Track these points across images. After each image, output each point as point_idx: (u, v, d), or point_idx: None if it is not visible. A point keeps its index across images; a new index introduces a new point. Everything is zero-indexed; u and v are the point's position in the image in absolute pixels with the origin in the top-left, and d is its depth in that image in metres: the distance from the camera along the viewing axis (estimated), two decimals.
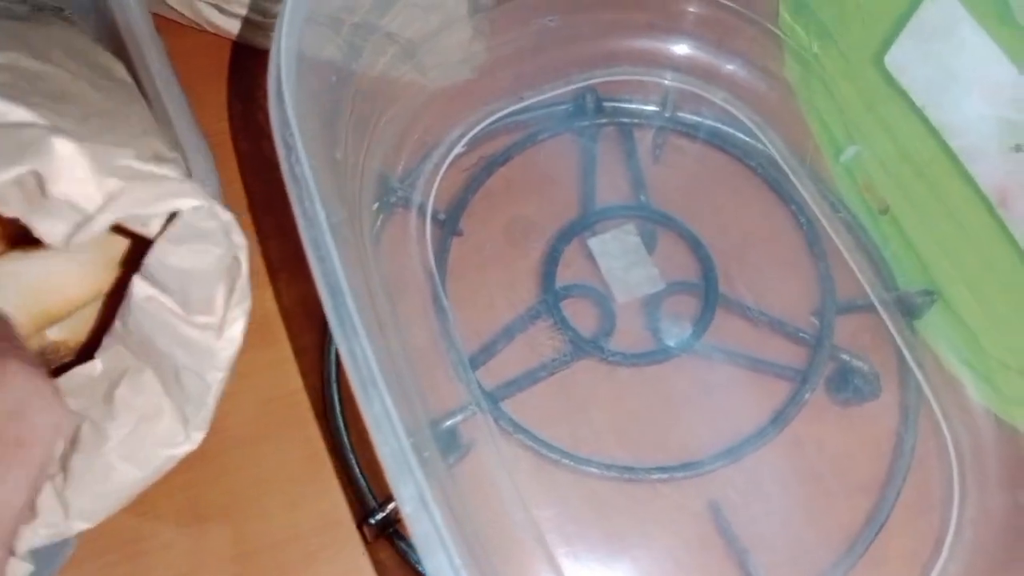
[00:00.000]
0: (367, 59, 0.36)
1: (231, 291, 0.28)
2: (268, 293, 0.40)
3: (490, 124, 0.42)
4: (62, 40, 0.35)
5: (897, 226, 0.40)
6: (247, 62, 0.46)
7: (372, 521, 0.35)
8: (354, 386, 0.24)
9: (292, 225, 0.26)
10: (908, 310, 0.38)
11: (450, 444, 0.35)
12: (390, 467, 0.22)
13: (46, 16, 0.37)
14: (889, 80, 0.37)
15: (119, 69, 0.38)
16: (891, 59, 0.37)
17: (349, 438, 0.38)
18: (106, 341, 0.29)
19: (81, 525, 0.28)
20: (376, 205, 0.39)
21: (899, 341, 0.37)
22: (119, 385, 0.29)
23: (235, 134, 0.44)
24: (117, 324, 0.29)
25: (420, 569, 0.35)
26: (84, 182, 0.25)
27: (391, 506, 0.35)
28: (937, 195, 0.37)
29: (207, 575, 0.36)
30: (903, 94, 0.37)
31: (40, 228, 0.26)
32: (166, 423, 0.29)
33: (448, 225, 0.40)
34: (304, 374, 0.40)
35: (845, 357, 0.37)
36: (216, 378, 0.28)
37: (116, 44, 0.36)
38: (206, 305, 0.27)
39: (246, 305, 0.28)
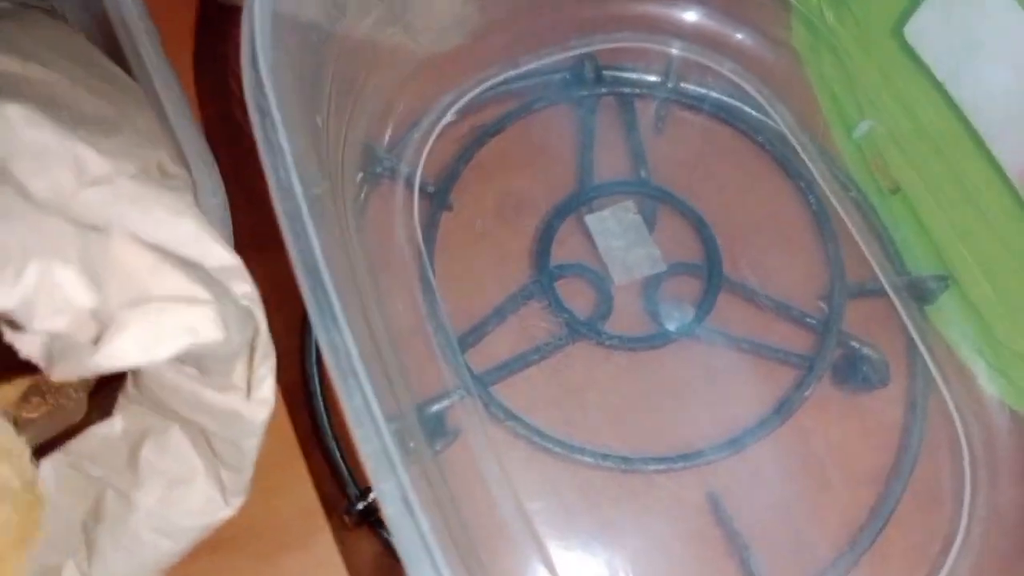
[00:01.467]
0: (351, 19, 0.34)
1: (252, 349, 0.24)
2: None
3: (482, 92, 0.40)
4: (52, 39, 0.32)
5: (909, 207, 0.38)
6: (217, 19, 0.43)
7: (354, 509, 0.33)
8: (333, 377, 0.22)
9: (267, 199, 0.23)
10: (920, 295, 0.37)
11: (436, 430, 0.33)
12: (372, 466, 0.21)
13: (33, 13, 0.34)
14: (908, 51, 0.35)
15: (117, 69, 0.35)
16: (911, 29, 0.35)
17: (330, 423, 0.36)
18: (122, 400, 0.25)
19: None
20: (360, 176, 0.37)
21: (911, 328, 0.36)
22: (142, 446, 0.25)
23: (202, 98, 0.42)
24: (129, 385, 0.25)
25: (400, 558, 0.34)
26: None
27: (374, 494, 0.33)
28: (954, 175, 0.35)
29: (182, 564, 0.34)
30: (923, 66, 0.35)
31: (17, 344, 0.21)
32: (200, 488, 0.25)
33: (437, 199, 0.38)
34: (281, 356, 0.38)
35: (854, 344, 0.35)
36: (252, 444, 0.25)
37: (108, 40, 0.33)
38: (227, 367, 0.24)
39: (271, 362, 0.24)
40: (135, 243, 0.21)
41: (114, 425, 0.25)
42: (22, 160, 0.22)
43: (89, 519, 0.25)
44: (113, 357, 0.20)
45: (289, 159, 0.23)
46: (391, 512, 0.20)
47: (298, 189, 0.23)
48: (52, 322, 0.20)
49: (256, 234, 0.27)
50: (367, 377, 0.21)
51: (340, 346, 0.21)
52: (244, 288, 0.23)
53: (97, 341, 0.20)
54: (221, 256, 0.23)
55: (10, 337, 0.20)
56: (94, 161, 0.23)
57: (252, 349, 0.23)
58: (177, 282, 0.21)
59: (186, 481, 0.25)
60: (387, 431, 0.20)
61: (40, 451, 0.25)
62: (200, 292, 0.21)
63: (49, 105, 0.26)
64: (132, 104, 0.32)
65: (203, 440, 0.25)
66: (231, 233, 0.30)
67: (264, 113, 0.24)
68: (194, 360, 0.22)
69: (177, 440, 0.25)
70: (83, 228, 0.21)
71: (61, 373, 0.20)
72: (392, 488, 0.20)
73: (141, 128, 0.31)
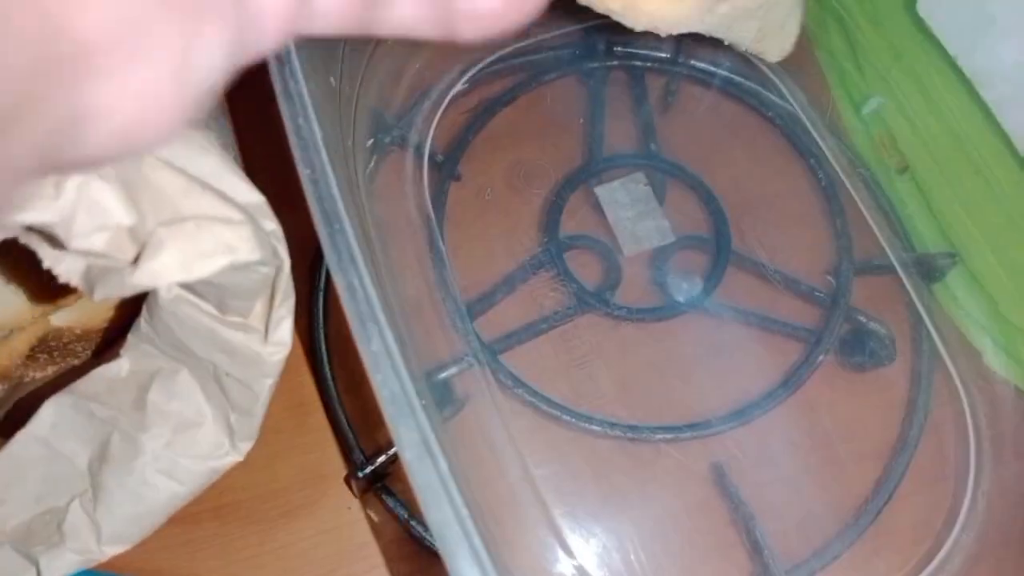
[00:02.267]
0: None
1: (273, 288, 0.24)
2: None
3: (493, 62, 0.39)
4: None
5: (916, 186, 0.38)
6: None
7: (361, 474, 0.33)
8: (352, 322, 0.21)
9: (281, 155, 0.23)
10: (927, 272, 0.37)
11: (444, 398, 0.33)
12: (390, 410, 0.20)
13: None
14: (920, 26, 0.35)
15: None
16: (924, 4, 0.35)
17: (336, 388, 0.36)
18: (131, 339, 0.25)
19: (115, 550, 0.25)
20: (370, 143, 0.37)
21: (918, 304, 0.36)
22: (150, 389, 0.24)
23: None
24: (142, 321, 0.24)
25: (408, 525, 0.34)
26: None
27: (380, 459, 0.33)
28: (964, 150, 0.35)
29: (185, 528, 0.34)
30: (934, 42, 0.35)
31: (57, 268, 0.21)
32: (208, 431, 0.25)
33: (446, 168, 0.38)
34: None
35: (861, 319, 0.35)
36: (265, 386, 0.25)
37: None
38: (247, 305, 0.23)
39: (291, 303, 0.24)
40: (166, 166, 0.21)
41: (121, 366, 0.24)
42: None
43: (95, 461, 0.25)
44: (154, 274, 0.20)
45: (309, 108, 0.23)
46: (410, 457, 0.20)
47: (318, 136, 0.23)
48: (91, 240, 0.19)
49: (269, 192, 0.26)
50: (387, 321, 0.21)
51: (358, 288, 0.21)
52: (270, 225, 0.23)
53: (136, 260, 0.20)
54: (247, 192, 0.23)
55: (50, 261, 0.20)
56: None
57: (273, 289, 0.23)
58: (211, 203, 0.21)
59: (194, 424, 0.25)
60: (406, 375, 0.20)
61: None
62: (235, 213, 0.21)
63: None
64: None
65: (213, 383, 0.24)
66: None
67: (283, 62, 0.24)
68: (215, 295, 0.22)
69: (186, 383, 0.24)
70: None
71: (101, 293, 0.20)
72: (412, 433, 0.20)
73: None
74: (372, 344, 0.21)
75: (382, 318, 0.21)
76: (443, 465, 0.19)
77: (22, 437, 0.24)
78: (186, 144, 0.22)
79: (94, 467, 0.25)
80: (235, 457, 0.25)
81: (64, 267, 0.20)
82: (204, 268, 0.20)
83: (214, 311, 0.22)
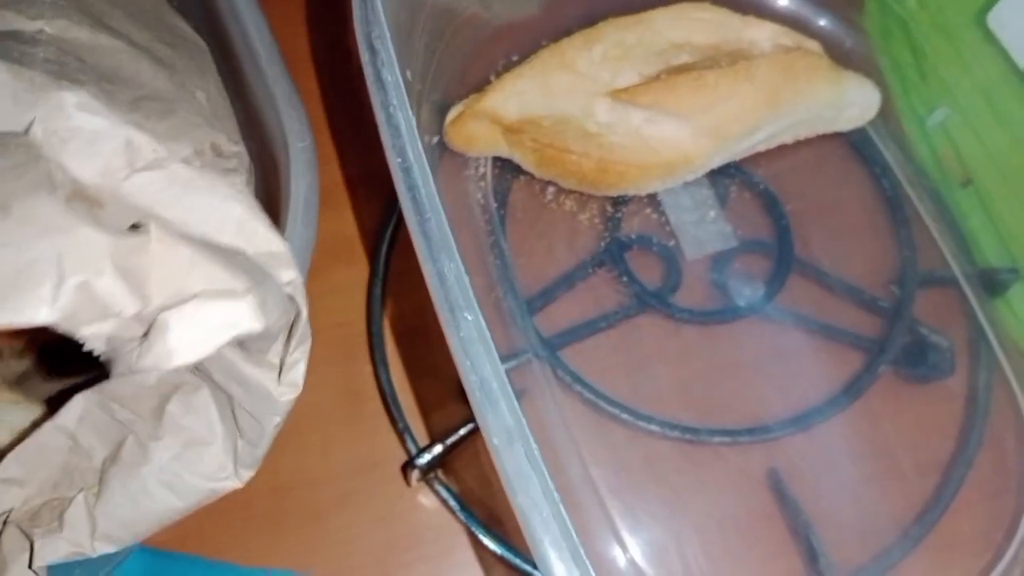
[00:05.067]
0: None
1: (290, 332, 0.24)
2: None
3: None
4: None
5: (979, 200, 0.38)
6: None
7: (416, 464, 0.33)
8: (440, 310, 0.22)
9: (357, 148, 0.23)
10: (989, 286, 0.36)
11: None
12: (478, 397, 0.21)
13: None
14: (989, 39, 0.35)
15: (187, 29, 0.35)
16: (995, 16, 0.35)
17: (390, 378, 0.36)
18: None
19: (105, 548, 0.25)
20: (436, 139, 0.37)
21: (981, 317, 0.35)
22: (171, 400, 0.25)
23: (314, 44, 0.42)
24: None
25: (460, 516, 0.34)
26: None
27: (437, 449, 0.33)
28: None
29: (240, 505, 0.34)
30: (1004, 54, 0.35)
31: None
32: (215, 453, 0.25)
33: (510, 165, 0.38)
34: (347, 309, 0.38)
35: (923, 331, 0.35)
36: (273, 423, 0.25)
37: None
38: (265, 345, 0.24)
39: (306, 346, 0.25)
40: (173, 237, 0.21)
41: (151, 374, 0.25)
42: (74, 144, 0.23)
43: (108, 459, 0.25)
44: (158, 359, 0.20)
45: (403, 94, 0.23)
46: (498, 442, 0.20)
47: (412, 124, 0.23)
48: (98, 328, 0.20)
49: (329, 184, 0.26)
50: (477, 307, 0.21)
51: (449, 276, 0.21)
52: (289, 275, 0.24)
53: (144, 337, 0.20)
54: (269, 241, 0.23)
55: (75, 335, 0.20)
56: (147, 145, 0.23)
57: (290, 333, 0.23)
58: (216, 274, 0.21)
59: (204, 443, 0.25)
60: (497, 360, 0.20)
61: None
62: (239, 283, 0.21)
63: (109, 81, 0.27)
64: (195, 73, 0.32)
65: (228, 408, 0.25)
66: (317, 176, 0.31)
67: (375, 52, 0.24)
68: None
69: (205, 401, 0.25)
70: (118, 232, 0.21)
71: (116, 373, 0.21)
72: (501, 419, 0.20)
73: (201, 103, 0.31)
74: (462, 331, 0.21)
75: (474, 304, 0.21)
76: (533, 450, 0.20)
77: (50, 426, 0.24)
78: (210, 194, 0.23)
79: (106, 465, 0.25)
80: (235, 483, 0.26)
81: (87, 340, 0.20)
82: (205, 348, 0.21)
83: (236, 346, 0.23)
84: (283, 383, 0.24)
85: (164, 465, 0.25)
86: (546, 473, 0.19)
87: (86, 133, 0.23)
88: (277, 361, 0.24)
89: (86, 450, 0.25)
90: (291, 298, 0.24)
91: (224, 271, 0.22)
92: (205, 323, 0.21)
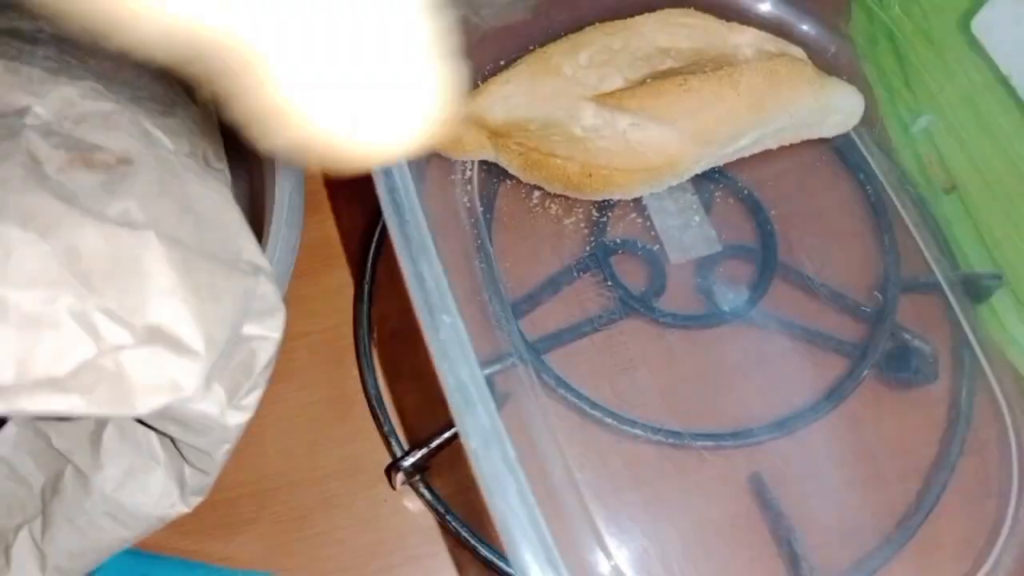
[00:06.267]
0: None
1: (257, 359, 0.24)
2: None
3: None
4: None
5: (963, 206, 0.38)
6: None
7: (401, 467, 0.33)
8: (419, 311, 0.22)
9: None
10: (973, 292, 0.37)
11: None
12: (456, 399, 0.21)
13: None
14: (974, 45, 0.35)
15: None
16: (979, 22, 0.35)
17: (376, 381, 0.36)
18: None
19: None
20: None
21: (964, 323, 0.36)
22: (105, 427, 0.24)
23: None
24: None
25: (445, 518, 0.34)
26: None
27: (421, 452, 0.33)
28: (1015, 170, 0.35)
29: (224, 511, 0.34)
30: (988, 61, 0.35)
31: None
32: (159, 480, 0.24)
33: (496, 169, 0.38)
34: (334, 313, 0.38)
35: (906, 336, 0.35)
36: (223, 450, 0.24)
37: None
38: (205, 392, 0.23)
39: (269, 371, 0.24)
40: (163, 261, 0.21)
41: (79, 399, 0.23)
42: (88, 124, 0.23)
43: (47, 490, 0.24)
44: (101, 406, 0.20)
45: None
46: (476, 444, 0.20)
47: None
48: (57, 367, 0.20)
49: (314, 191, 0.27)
50: (456, 309, 0.21)
51: (428, 278, 0.21)
52: (266, 288, 0.24)
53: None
54: (252, 254, 0.23)
55: None
56: (157, 131, 0.23)
57: (257, 358, 0.23)
58: (179, 318, 0.21)
59: (146, 470, 0.24)
60: (474, 363, 0.20)
61: None
62: (197, 342, 0.21)
63: (109, 80, 0.27)
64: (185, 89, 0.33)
65: (169, 438, 0.24)
66: (302, 177, 0.31)
67: None
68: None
69: (141, 429, 0.24)
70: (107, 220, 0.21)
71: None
72: (479, 421, 0.20)
73: (195, 114, 0.31)
74: (440, 333, 0.21)
75: (452, 307, 0.21)
76: (509, 453, 0.20)
77: None
78: (209, 193, 0.23)
79: (46, 495, 0.24)
80: (182, 508, 0.25)
81: None
82: (146, 405, 0.20)
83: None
84: (237, 406, 0.23)
85: (107, 495, 0.24)
86: (523, 477, 0.19)
87: (98, 114, 0.23)
88: (223, 389, 0.23)
89: (23, 477, 0.25)
90: (270, 310, 0.24)
91: (190, 313, 0.21)
92: (152, 378, 0.21)
